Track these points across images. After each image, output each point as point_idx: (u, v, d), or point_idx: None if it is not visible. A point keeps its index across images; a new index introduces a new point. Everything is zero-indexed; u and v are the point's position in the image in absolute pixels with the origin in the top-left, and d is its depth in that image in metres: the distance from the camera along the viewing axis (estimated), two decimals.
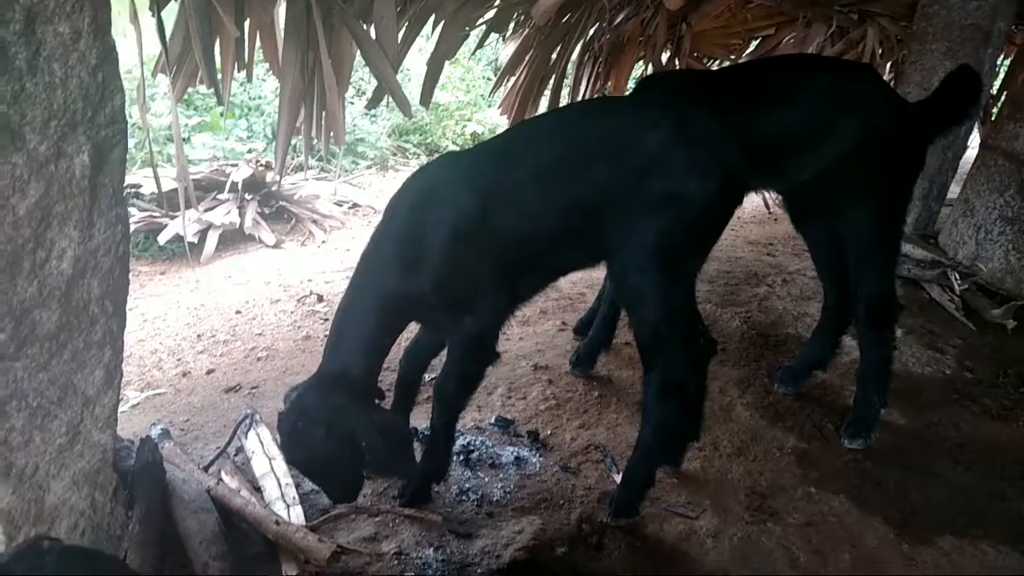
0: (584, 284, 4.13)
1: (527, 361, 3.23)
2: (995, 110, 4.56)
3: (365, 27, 2.89)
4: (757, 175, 2.35)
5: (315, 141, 3.12)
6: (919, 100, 3.01)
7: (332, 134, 3.05)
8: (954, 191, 4.67)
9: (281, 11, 2.99)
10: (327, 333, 3.06)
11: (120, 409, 2.83)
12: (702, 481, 2.54)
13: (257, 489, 2.31)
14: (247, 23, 2.98)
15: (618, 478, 2.46)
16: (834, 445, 2.77)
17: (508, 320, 2.24)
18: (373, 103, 3.20)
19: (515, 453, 2.59)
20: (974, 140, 5.13)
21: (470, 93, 8.46)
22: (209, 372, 3.14)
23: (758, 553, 2.25)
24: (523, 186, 2.04)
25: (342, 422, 1.95)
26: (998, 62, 4.83)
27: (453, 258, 2.04)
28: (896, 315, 2.71)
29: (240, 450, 2.50)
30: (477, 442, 2.61)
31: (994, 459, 2.75)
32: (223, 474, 2.34)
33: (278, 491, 2.26)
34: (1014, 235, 3.93)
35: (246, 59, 3.10)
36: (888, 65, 5.68)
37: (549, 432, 2.74)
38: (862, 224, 2.56)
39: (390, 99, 2.93)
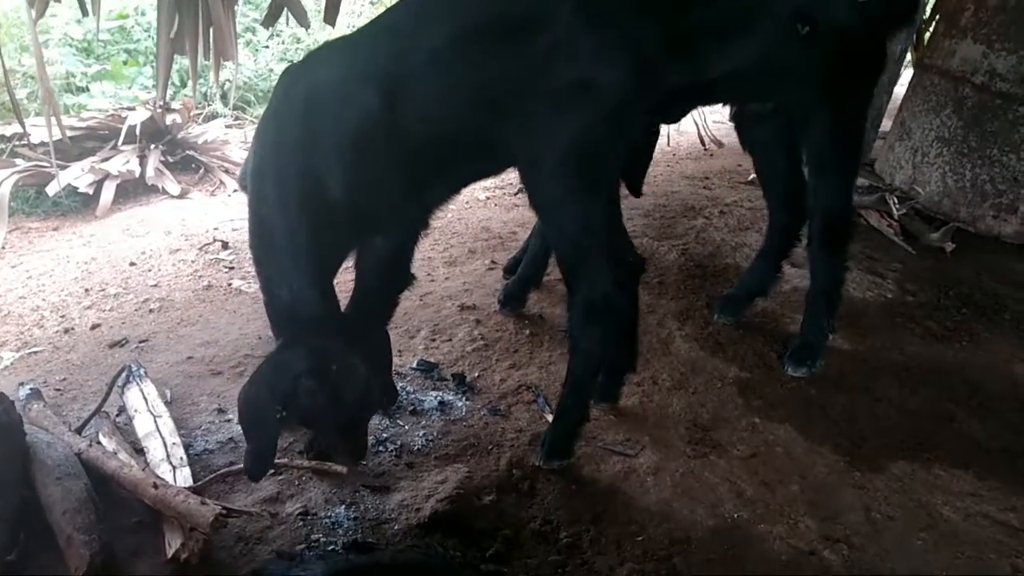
0: (516, 223, 3.88)
1: (453, 301, 2.98)
2: (929, 30, 4.44)
3: None
4: (676, 61, 2.05)
5: (204, 63, 2.76)
6: None
7: (223, 56, 2.69)
8: (887, 125, 4.58)
9: None
10: (231, 281, 2.76)
11: None
12: (641, 417, 2.36)
13: (140, 451, 2.02)
14: None
15: (551, 418, 2.26)
16: (777, 373, 2.63)
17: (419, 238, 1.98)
18: (270, 19, 2.84)
19: (439, 398, 2.36)
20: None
21: None
22: (94, 327, 2.79)
23: (702, 488, 2.09)
24: (418, 74, 1.76)
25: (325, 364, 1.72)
26: None
27: (358, 168, 1.80)
28: (852, 234, 2.56)
29: (123, 409, 2.20)
30: (398, 388, 2.36)
31: (940, 381, 2.65)
32: (100, 436, 2.05)
33: (163, 452, 1.97)
34: (951, 156, 3.84)
35: None
36: None
37: (477, 374, 2.51)
38: (825, 131, 2.36)
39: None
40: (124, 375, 2.22)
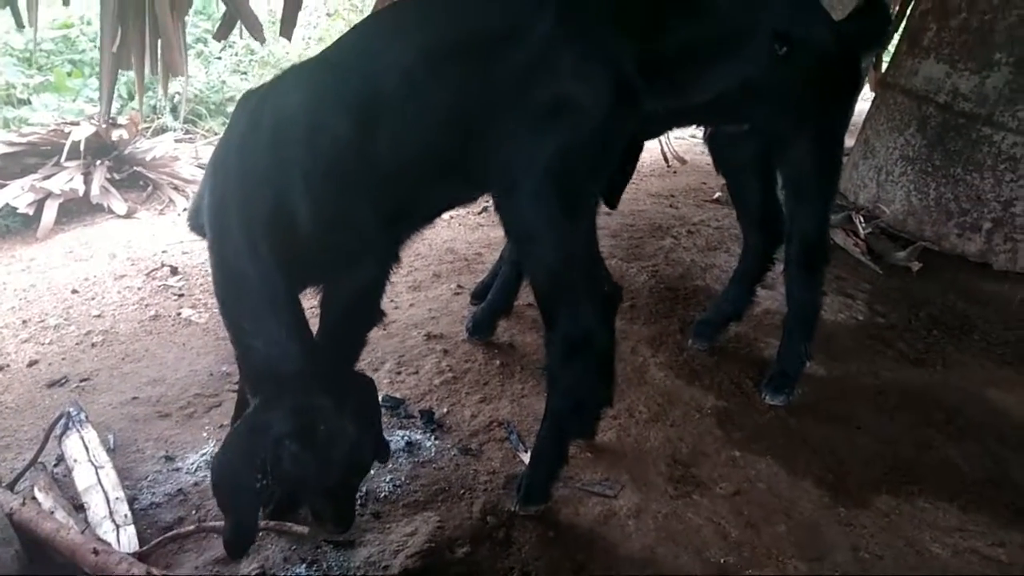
0: (481, 244, 3.77)
1: (419, 330, 2.85)
2: (891, 49, 4.47)
3: None
4: (655, 86, 1.97)
5: (151, 76, 2.59)
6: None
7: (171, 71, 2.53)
8: (849, 143, 4.59)
9: None
10: (181, 311, 2.59)
11: None
12: (619, 453, 2.26)
13: (80, 508, 1.84)
14: None
15: (526, 457, 2.14)
16: (755, 402, 2.55)
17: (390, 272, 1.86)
18: (223, 32, 2.68)
19: (406, 437, 2.22)
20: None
21: None
22: (32, 364, 2.59)
23: (686, 531, 1.99)
24: (391, 96, 1.64)
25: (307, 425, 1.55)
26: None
27: (329, 200, 1.67)
28: (829, 258, 2.50)
29: (61, 459, 2.02)
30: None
31: (916, 406, 2.60)
32: (36, 491, 1.87)
33: (106, 508, 1.80)
34: (915, 175, 3.85)
35: None
36: None
37: (446, 410, 2.39)
38: (803, 153, 2.30)
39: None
40: (62, 421, 2.03)
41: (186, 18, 3.10)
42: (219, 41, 3.06)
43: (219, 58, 6.71)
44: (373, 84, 1.65)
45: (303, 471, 1.53)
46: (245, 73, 6.68)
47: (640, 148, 2.49)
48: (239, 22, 2.49)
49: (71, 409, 2.11)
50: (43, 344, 2.75)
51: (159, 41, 2.47)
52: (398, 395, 2.42)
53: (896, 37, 4.32)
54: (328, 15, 7.69)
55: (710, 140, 2.61)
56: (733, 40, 2.00)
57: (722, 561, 1.90)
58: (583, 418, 2.15)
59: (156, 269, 3.29)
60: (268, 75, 6.81)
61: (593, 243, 1.90)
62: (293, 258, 1.66)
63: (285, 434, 1.51)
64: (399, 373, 2.57)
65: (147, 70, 2.56)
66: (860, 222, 3.85)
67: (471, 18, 1.70)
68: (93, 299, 3.08)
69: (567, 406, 1.94)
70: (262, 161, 1.66)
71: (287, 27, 2.81)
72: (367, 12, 8.30)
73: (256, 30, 2.39)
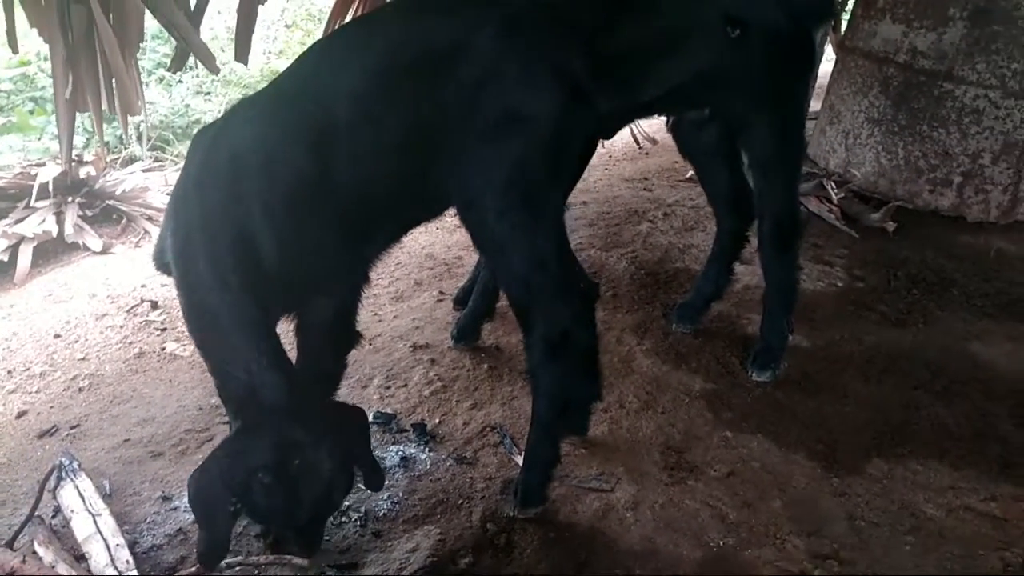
0: (460, 247, 3.77)
1: (404, 342, 2.85)
2: (846, 13, 4.49)
3: None
4: (607, 87, 1.98)
5: (109, 115, 2.57)
6: None
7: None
8: (815, 107, 4.61)
9: None
10: (165, 345, 2.58)
11: None
12: (612, 446, 2.28)
13: (81, 558, 1.85)
14: None
15: (520, 460, 2.16)
16: (742, 380, 2.58)
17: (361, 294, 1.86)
18: (176, 64, 2.67)
19: (400, 452, 2.23)
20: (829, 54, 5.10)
21: None
22: (20, 415, 2.58)
23: (684, 517, 2.02)
24: (344, 121, 1.65)
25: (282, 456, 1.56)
26: None
27: (293, 229, 1.67)
28: (802, 232, 2.52)
29: (58, 510, 2.02)
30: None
31: (902, 368, 2.64)
32: (36, 546, 1.87)
33: (107, 556, 1.80)
34: (882, 136, 3.87)
35: (4, 27, 2.50)
36: None
37: (438, 420, 2.40)
38: (765, 133, 2.32)
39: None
40: (56, 473, 2.03)
41: (142, 45, 3.07)
42: (174, 73, 3.03)
43: (180, 81, 6.64)
44: (326, 111, 1.65)
45: (274, 503, 1.56)
46: (208, 94, 6.63)
47: (594, 149, 2.49)
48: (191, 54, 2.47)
49: (64, 459, 2.10)
50: (30, 393, 2.74)
51: (113, 81, 2.45)
52: (389, 410, 2.43)
53: (851, 1, 4.34)
54: (287, 26, 7.63)
55: (673, 127, 2.63)
56: (682, 32, 2.01)
57: (721, 543, 1.93)
58: (573, 415, 2.17)
59: (136, 305, 3.28)
60: (232, 94, 6.78)
61: (564, 244, 1.91)
62: (263, 289, 1.66)
63: (260, 465, 1.54)
64: (388, 388, 2.57)
65: (104, 107, 2.54)
66: (832, 188, 3.87)
67: (416, 39, 1.71)
68: (76, 342, 3.07)
69: (553, 407, 1.96)
70: (222, 196, 1.66)
71: (242, 51, 2.79)
72: (324, 21, 8.26)
73: (209, 61, 2.37)
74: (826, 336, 2.86)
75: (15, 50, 2.64)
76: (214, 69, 2.44)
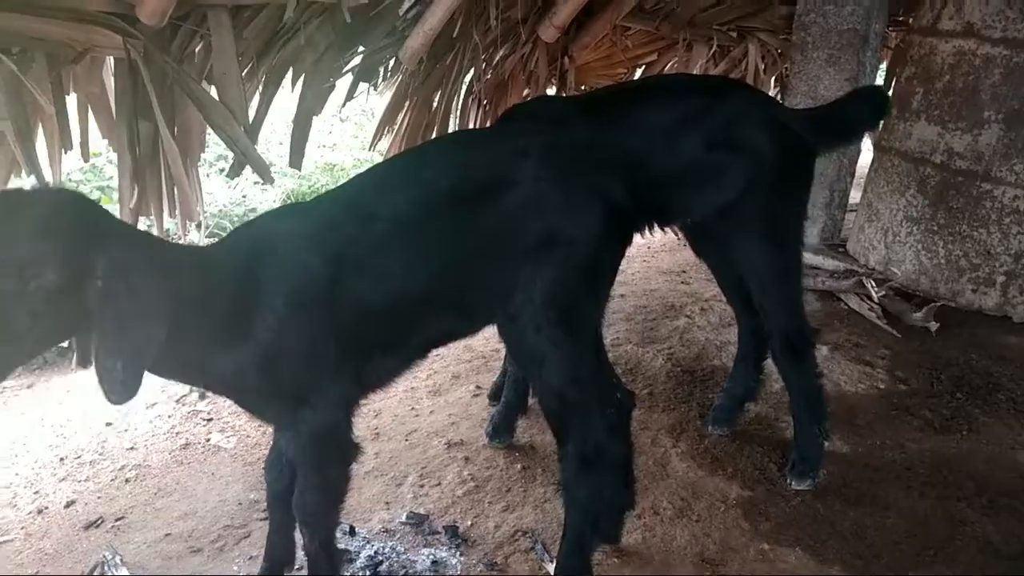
0: (497, 339, 3.81)
1: (440, 438, 2.89)
2: None
3: (208, 87, 2.57)
4: (642, 212, 2.09)
5: (170, 220, 2.75)
6: (807, 109, 2.90)
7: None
8: (854, 196, 4.64)
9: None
10: (210, 436, 2.63)
11: None
12: (646, 555, 2.26)
13: None
14: (74, 96, 2.63)
15: (551, 567, 2.15)
16: (780, 488, 2.54)
17: (357, 407, 1.87)
18: (234, 172, 2.85)
19: (431, 556, 2.24)
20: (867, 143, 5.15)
21: (366, 150, 8.15)
22: (69, 504, 2.67)
23: None
24: (378, 243, 1.72)
25: None
26: (879, 66, 4.88)
27: (288, 330, 1.66)
28: (812, 341, 2.53)
29: None
30: (386, 549, 2.25)
31: (946, 478, 2.58)
32: None
33: None
34: (921, 234, 3.88)
35: (78, 137, 2.71)
36: (772, 80, 5.70)
37: (470, 523, 2.41)
38: (757, 256, 2.39)
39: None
40: (99, 570, 2.10)
41: (198, 165, 3.26)
42: (231, 179, 3.23)
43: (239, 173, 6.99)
44: (358, 227, 1.72)
45: None
46: (266, 186, 6.96)
47: None
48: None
49: (107, 553, 2.17)
50: (79, 482, 2.83)
51: (175, 189, 2.63)
52: (422, 510, 2.45)
53: None
54: (341, 120, 8.02)
55: (684, 228, 2.69)
56: (696, 169, 2.14)
57: None
58: (606, 524, 2.16)
59: (185, 395, 3.39)
60: (288, 184, 7.10)
61: (601, 358, 1.96)
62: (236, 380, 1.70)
63: None
64: (422, 486, 2.60)
65: (165, 215, 2.72)
66: (872, 285, 3.86)
67: (460, 171, 1.81)
68: (126, 431, 3.17)
69: (586, 520, 1.97)
70: (225, 276, 1.66)
71: (296, 158, 2.97)
72: (377, 116, 8.63)
73: (264, 173, 2.54)
74: (867, 441, 2.81)
75: (87, 159, 2.86)
76: (269, 180, 2.60)
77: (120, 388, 1.42)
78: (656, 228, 2.43)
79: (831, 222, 4.40)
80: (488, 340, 3.82)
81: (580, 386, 1.85)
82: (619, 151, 2.09)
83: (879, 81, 5.69)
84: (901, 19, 5.60)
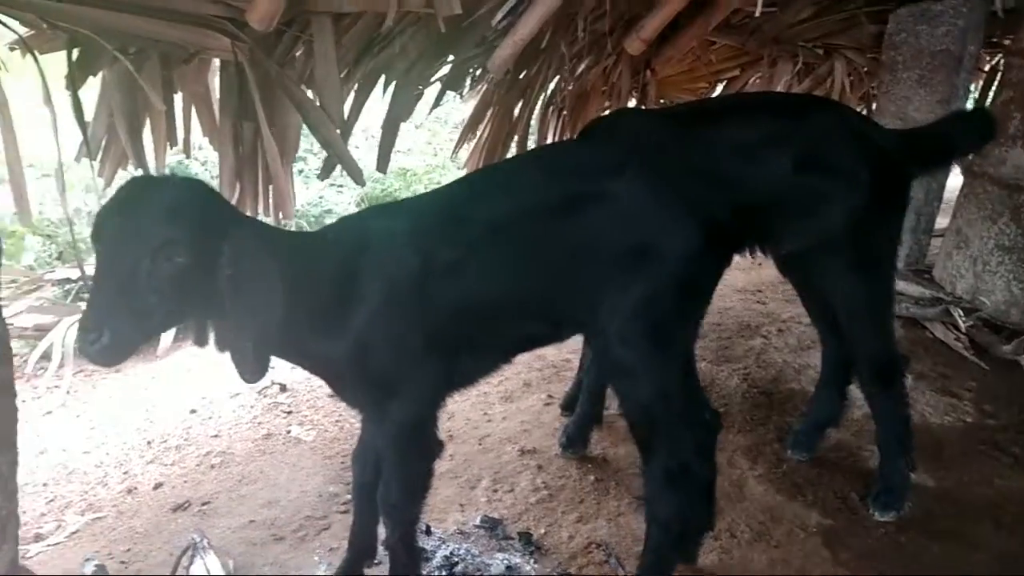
0: (569, 350, 3.83)
1: (513, 445, 2.91)
2: None
3: (308, 92, 2.66)
4: (740, 232, 2.08)
5: (265, 217, 2.84)
6: (902, 131, 2.83)
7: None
8: (940, 222, 4.50)
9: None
10: (290, 428, 2.70)
11: (55, 540, 2.49)
12: None
13: None
14: (180, 95, 2.75)
15: None
16: (862, 518, 2.48)
17: (444, 404, 1.90)
18: (325, 173, 2.94)
19: (506, 561, 2.26)
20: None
21: (438, 156, 8.27)
22: (157, 487, 2.78)
23: None
24: (472, 246, 1.75)
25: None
26: (971, 88, 4.72)
27: (382, 322, 1.72)
28: (902, 369, 2.46)
29: None
30: (461, 551, 2.28)
31: None
32: None
33: None
34: (1014, 264, 3.73)
35: (182, 134, 2.84)
36: (858, 97, 5.57)
37: (543, 531, 2.42)
38: (848, 282, 2.32)
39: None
40: (190, 551, 2.18)
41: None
42: (322, 180, 3.33)
43: (317, 172, 7.18)
44: (452, 230, 1.77)
45: None
46: (341, 187, 7.13)
47: None
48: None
49: (196, 536, 2.26)
50: (166, 465, 2.95)
51: (271, 186, 2.72)
52: (495, 515, 2.47)
53: None
54: (416, 127, 8.16)
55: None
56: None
57: None
58: (684, 543, 2.14)
59: (267, 387, 3.50)
60: (362, 187, 7.25)
61: (691, 375, 1.95)
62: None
63: None
64: (495, 491, 2.62)
65: (260, 211, 2.81)
66: (960, 315, 3.73)
67: (555, 182, 1.83)
68: (210, 418, 3.29)
69: (667, 537, 1.95)
70: (327, 264, 1.74)
71: (383, 163, 3.05)
72: (447, 122, 8.70)
73: (357, 176, 2.60)
74: (954, 476, 2.71)
75: (189, 155, 2.99)
76: (360, 182, 2.67)
77: (254, 367, 1.52)
78: (757, 251, 2.40)
79: (917, 247, 4.27)
80: (560, 350, 3.84)
81: (667, 402, 1.84)
82: (716, 169, 2.07)
83: (969, 104, 5.52)
84: (996, 40, 5.40)
